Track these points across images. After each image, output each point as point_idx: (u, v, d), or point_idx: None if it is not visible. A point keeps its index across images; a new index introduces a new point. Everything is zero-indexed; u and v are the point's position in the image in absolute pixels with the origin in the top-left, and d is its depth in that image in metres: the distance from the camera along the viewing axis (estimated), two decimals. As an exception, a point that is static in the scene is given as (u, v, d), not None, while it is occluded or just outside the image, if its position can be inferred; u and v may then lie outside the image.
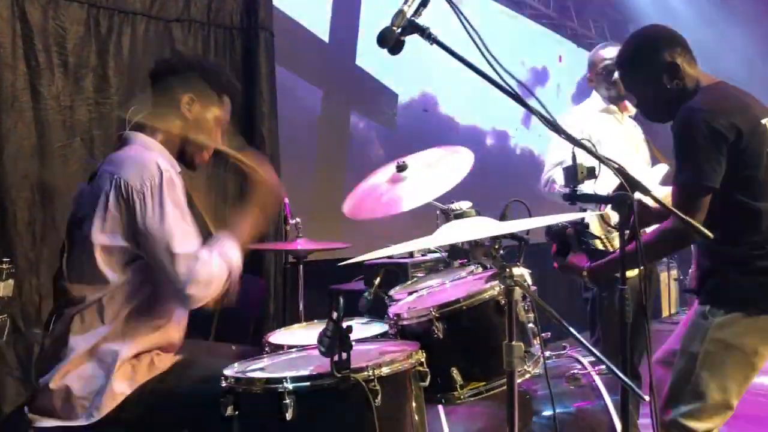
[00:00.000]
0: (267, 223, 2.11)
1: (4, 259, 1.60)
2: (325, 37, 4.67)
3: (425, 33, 1.53)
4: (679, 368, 2.19)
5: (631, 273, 1.81)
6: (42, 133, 2.83)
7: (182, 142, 2.05)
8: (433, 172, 2.40)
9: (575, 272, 2.26)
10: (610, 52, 3.26)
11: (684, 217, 1.70)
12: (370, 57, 4.84)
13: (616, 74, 3.17)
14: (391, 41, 1.53)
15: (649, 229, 2.34)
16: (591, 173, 1.91)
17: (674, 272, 7.73)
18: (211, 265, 1.85)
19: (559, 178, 3.14)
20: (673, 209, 1.70)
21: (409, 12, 1.53)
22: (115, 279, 1.86)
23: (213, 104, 2.08)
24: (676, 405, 2.16)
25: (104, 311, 1.87)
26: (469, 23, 1.50)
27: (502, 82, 1.56)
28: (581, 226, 2.24)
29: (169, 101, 2.04)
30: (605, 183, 3.01)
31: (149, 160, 1.87)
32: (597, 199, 2.16)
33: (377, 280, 2.59)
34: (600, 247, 3.05)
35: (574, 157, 1.88)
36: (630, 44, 2.32)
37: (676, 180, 2.12)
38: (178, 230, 1.83)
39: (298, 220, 2.98)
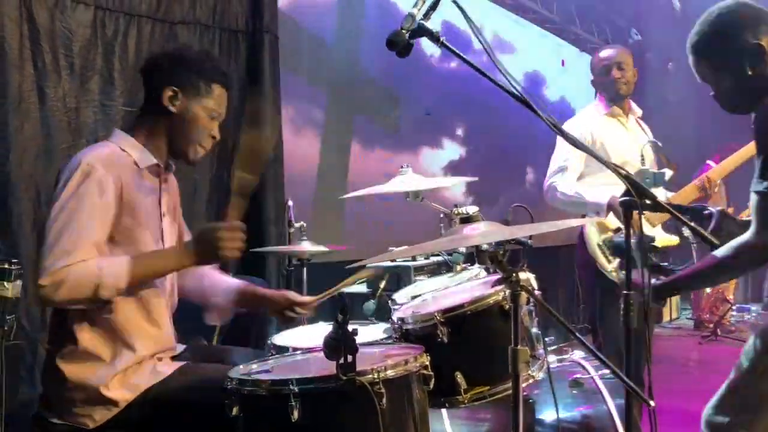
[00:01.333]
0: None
1: (13, 260, 1.60)
2: (330, 41, 4.68)
3: (434, 37, 1.54)
4: (736, 378, 2.02)
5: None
6: (48, 134, 2.84)
7: (170, 138, 2.00)
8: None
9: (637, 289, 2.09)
10: (607, 52, 3.29)
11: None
12: (373, 60, 4.85)
13: (614, 72, 3.20)
14: (400, 44, 1.54)
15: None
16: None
17: (675, 277, 7.72)
18: (79, 269, 1.74)
19: (561, 185, 3.14)
20: (680, 216, 1.69)
21: (419, 15, 1.54)
22: None
23: (200, 95, 1.98)
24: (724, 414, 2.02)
25: (98, 314, 1.86)
26: (477, 28, 1.51)
27: (509, 86, 1.57)
28: (647, 239, 2.06)
29: (152, 98, 1.98)
30: (605, 187, 3.05)
31: (96, 151, 1.88)
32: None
33: (381, 284, 2.60)
34: (600, 257, 3.05)
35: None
36: (706, 25, 2.02)
37: (755, 187, 1.84)
38: (67, 223, 1.76)
39: (303, 223, 2.98)
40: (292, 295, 2.28)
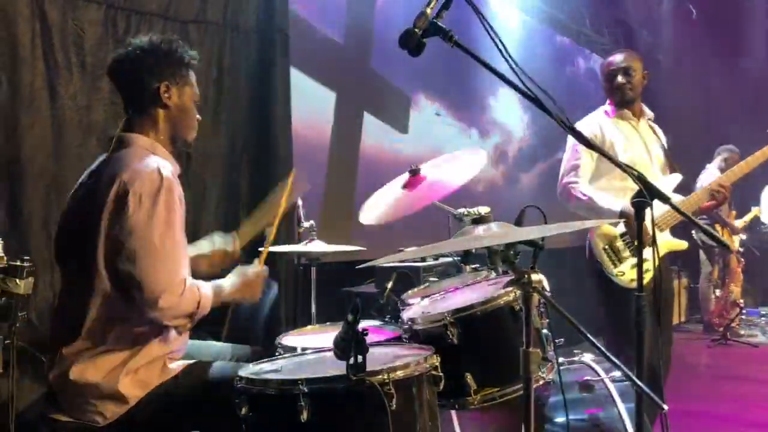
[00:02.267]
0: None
1: (24, 258, 1.60)
2: (340, 40, 4.67)
3: (447, 35, 1.53)
4: None
5: (633, 285, 1.74)
6: (59, 132, 2.84)
7: (171, 129, 2.05)
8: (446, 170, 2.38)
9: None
10: (614, 58, 3.28)
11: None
12: (384, 59, 4.84)
13: (618, 78, 3.19)
14: (412, 42, 1.53)
15: None
16: None
17: (684, 280, 7.69)
18: (187, 284, 1.84)
19: (578, 186, 3.11)
20: (695, 219, 1.67)
21: (432, 14, 1.53)
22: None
23: (185, 84, 2.06)
24: None
25: (113, 316, 1.86)
26: (491, 27, 1.50)
27: (522, 86, 1.56)
28: None
29: (147, 96, 2.01)
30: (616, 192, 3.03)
31: (149, 164, 1.87)
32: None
33: (390, 284, 2.59)
34: (606, 261, 3.04)
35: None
36: None
37: None
38: (168, 237, 1.82)
39: (312, 222, 2.97)
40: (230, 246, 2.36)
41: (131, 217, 1.79)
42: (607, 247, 3.10)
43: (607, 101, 3.32)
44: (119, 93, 2.09)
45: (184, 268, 1.87)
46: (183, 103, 2.05)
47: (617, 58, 3.28)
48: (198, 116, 2.13)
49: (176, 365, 1.96)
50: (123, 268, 1.79)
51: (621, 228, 3.08)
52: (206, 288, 1.92)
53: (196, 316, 1.88)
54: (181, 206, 1.90)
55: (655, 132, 3.31)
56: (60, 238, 2.04)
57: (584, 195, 3.08)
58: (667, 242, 3.17)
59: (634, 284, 3.02)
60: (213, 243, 2.32)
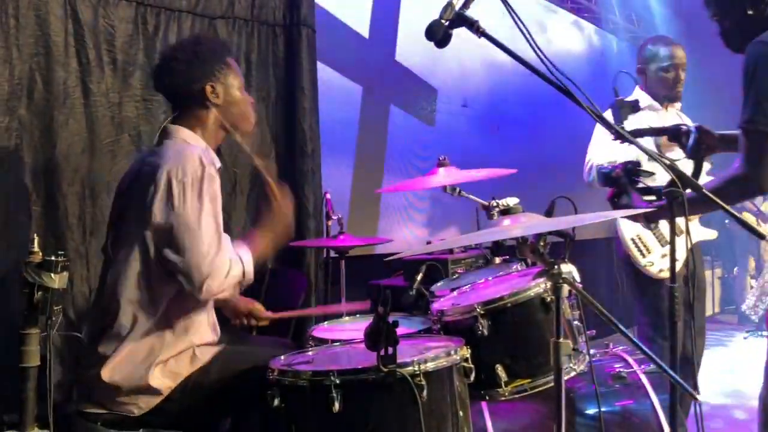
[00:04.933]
0: (274, 250, 2.16)
1: (59, 252, 1.64)
2: (366, 33, 4.67)
3: (474, 26, 1.53)
4: None
5: (664, 275, 1.72)
6: (92, 129, 2.89)
7: (228, 125, 2.11)
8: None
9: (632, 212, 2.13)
10: (678, 51, 3.18)
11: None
12: (409, 53, 4.83)
13: (681, 74, 3.13)
14: (439, 34, 1.53)
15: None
16: (634, 108, 1.88)
17: (718, 270, 7.57)
18: (230, 262, 1.89)
19: (599, 161, 3.05)
20: (727, 207, 1.64)
21: (458, 5, 1.52)
22: (157, 278, 1.90)
23: (229, 76, 2.11)
24: None
25: (147, 307, 1.91)
26: (517, 16, 1.49)
27: (550, 75, 1.55)
28: (631, 165, 2.15)
29: (195, 101, 2.07)
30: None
31: (192, 154, 1.92)
32: (652, 132, 2.12)
33: (419, 276, 2.59)
34: (634, 251, 3.00)
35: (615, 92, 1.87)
36: None
37: (741, 123, 2.00)
38: (210, 225, 1.87)
39: (340, 215, 2.99)
40: (255, 305, 2.46)
41: (176, 207, 1.84)
42: (635, 237, 3.06)
43: (639, 88, 3.25)
44: (173, 103, 2.16)
45: (226, 252, 1.90)
46: (231, 96, 2.11)
47: (680, 52, 3.19)
48: (251, 98, 2.19)
49: (206, 354, 1.99)
50: (170, 256, 1.84)
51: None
52: (247, 256, 1.98)
53: (243, 283, 1.99)
54: (220, 192, 1.95)
55: (682, 119, 3.26)
56: (110, 231, 2.09)
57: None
58: (697, 232, 3.13)
59: (663, 274, 3.03)
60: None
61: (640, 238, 3.07)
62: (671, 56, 3.18)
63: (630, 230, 3.07)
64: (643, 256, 3.03)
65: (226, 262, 1.87)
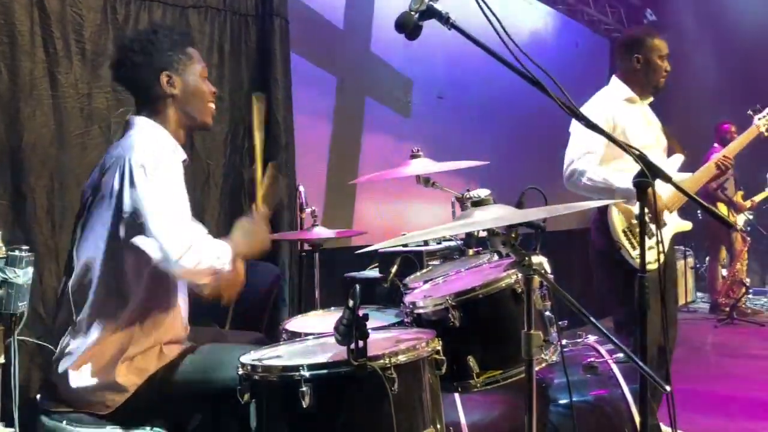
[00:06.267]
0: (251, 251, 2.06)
1: (23, 247, 1.60)
2: (340, 24, 4.64)
3: (444, 18, 1.52)
4: None
5: (651, 267, 1.74)
6: (60, 120, 2.84)
7: (183, 117, 2.06)
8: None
9: None
10: (662, 43, 3.18)
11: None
12: (384, 44, 4.82)
13: (666, 64, 3.15)
14: (409, 26, 1.51)
15: None
16: None
17: (690, 260, 7.67)
18: (204, 241, 1.84)
19: (589, 170, 3.03)
20: (696, 198, 1.65)
21: (428, -4, 1.51)
22: (127, 274, 1.87)
23: (187, 65, 2.06)
24: None
25: (116, 304, 1.88)
26: (489, 8, 1.48)
27: (522, 69, 1.54)
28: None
29: (152, 91, 2.02)
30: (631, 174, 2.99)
31: (153, 140, 1.91)
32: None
33: (393, 269, 2.59)
34: (625, 243, 3.03)
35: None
36: None
37: None
38: (179, 203, 1.84)
39: (314, 208, 2.97)
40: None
41: (143, 189, 1.80)
42: (626, 229, 3.07)
43: (616, 81, 3.25)
44: (131, 93, 2.11)
45: (199, 231, 1.87)
46: (190, 85, 2.05)
47: (663, 43, 3.20)
48: (213, 89, 2.12)
49: (174, 351, 1.96)
50: (143, 240, 1.80)
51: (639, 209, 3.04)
52: (224, 246, 1.91)
53: (219, 271, 1.86)
54: (182, 180, 1.91)
55: (653, 114, 3.29)
56: (77, 229, 2.04)
57: (599, 177, 3.02)
58: (676, 225, 3.17)
59: (650, 266, 3.04)
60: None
61: (630, 231, 3.08)
62: (662, 48, 3.20)
63: (622, 222, 3.08)
64: (635, 248, 3.04)
65: (199, 239, 1.83)
